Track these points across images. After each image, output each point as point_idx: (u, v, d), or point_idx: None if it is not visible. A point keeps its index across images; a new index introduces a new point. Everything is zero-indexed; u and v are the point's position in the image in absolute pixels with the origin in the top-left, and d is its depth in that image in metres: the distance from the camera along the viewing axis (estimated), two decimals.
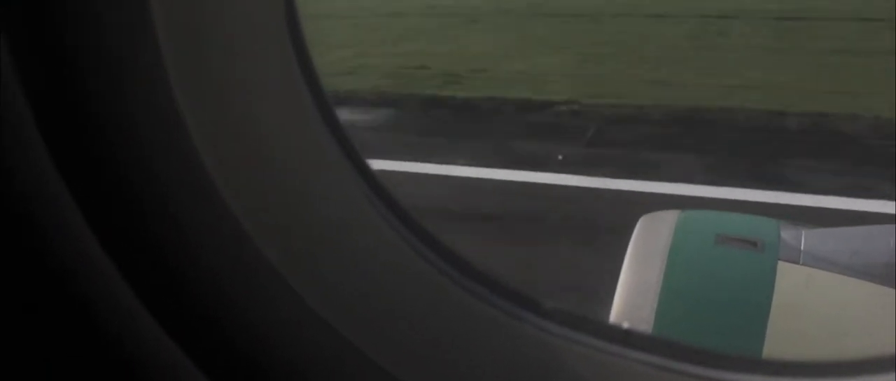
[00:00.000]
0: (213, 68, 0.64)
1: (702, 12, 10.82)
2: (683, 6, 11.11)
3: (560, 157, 6.40)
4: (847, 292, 1.82)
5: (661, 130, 7.06)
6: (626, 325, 1.78)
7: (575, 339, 0.73)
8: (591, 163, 6.26)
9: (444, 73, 8.97)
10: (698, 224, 2.14)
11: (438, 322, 0.74)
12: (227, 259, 0.64)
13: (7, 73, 0.58)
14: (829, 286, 1.84)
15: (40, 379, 0.64)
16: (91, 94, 0.59)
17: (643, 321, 1.80)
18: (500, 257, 4.43)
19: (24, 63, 0.58)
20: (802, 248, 1.93)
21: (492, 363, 0.72)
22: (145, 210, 0.62)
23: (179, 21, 0.61)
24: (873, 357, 0.73)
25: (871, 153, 6.36)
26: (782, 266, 1.88)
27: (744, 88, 7.82)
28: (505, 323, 0.73)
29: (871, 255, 1.87)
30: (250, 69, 0.67)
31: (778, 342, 1.71)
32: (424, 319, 0.74)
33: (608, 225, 4.56)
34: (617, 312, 1.85)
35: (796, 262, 1.90)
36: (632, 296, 1.89)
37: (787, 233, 2.00)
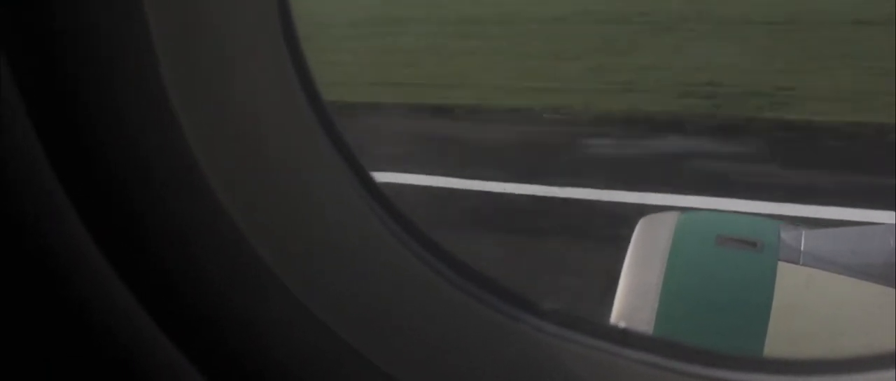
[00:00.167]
0: (207, 69, 0.64)
1: None
2: None
3: None
4: (847, 292, 1.82)
5: None
6: (623, 325, 1.78)
7: (572, 339, 0.73)
8: None
9: (747, 92, 7.53)
10: (698, 225, 2.14)
11: (435, 323, 0.74)
12: (223, 259, 0.64)
13: (2, 77, 0.58)
14: (829, 286, 1.84)
15: (36, 379, 0.64)
16: (86, 94, 0.59)
17: (644, 322, 1.80)
18: None
19: (18, 64, 0.58)
20: (802, 248, 1.93)
21: (489, 363, 0.72)
22: (141, 211, 0.62)
23: (174, 22, 0.61)
24: (873, 354, 0.73)
25: None
26: (782, 267, 1.88)
27: None
28: (502, 324, 0.73)
29: (870, 255, 1.87)
30: (245, 70, 0.67)
31: (778, 343, 1.71)
32: (421, 319, 0.74)
33: None
34: (617, 313, 1.85)
35: (796, 262, 1.90)
36: (632, 297, 1.89)
37: (787, 233, 2.00)
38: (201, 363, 0.64)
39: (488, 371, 0.71)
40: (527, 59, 8.78)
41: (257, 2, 0.67)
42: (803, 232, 2.00)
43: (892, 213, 4.69)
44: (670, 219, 2.10)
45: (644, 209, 2.46)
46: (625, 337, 0.73)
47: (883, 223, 2.04)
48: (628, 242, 2.01)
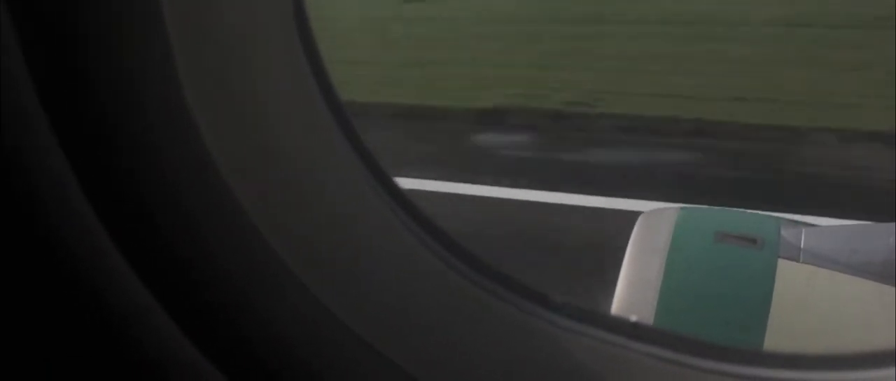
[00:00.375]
0: (223, 67, 0.64)
1: None
2: None
3: None
4: (847, 289, 1.83)
5: None
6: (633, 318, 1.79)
7: (583, 332, 0.73)
8: None
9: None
10: (698, 221, 2.14)
11: (449, 317, 0.74)
12: (241, 257, 0.65)
13: (20, 74, 0.58)
14: (829, 284, 1.85)
15: (54, 378, 0.64)
16: (102, 92, 0.60)
17: (643, 318, 1.81)
18: None
19: (37, 64, 0.59)
20: (802, 245, 1.93)
21: (501, 355, 0.73)
22: (158, 210, 0.62)
23: (190, 21, 0.61)
24: (874, 351, 0.74)
25: None
26: (782, 264, 1.89)
27: None
28: (515, 317, 0.74)
29: (870, 253, 1.88)
30: (260, 68, 0.67)
31: (778, 340, 1.71)
32: (435, 314, 0.74)
33: None
34: (617, 308, 1.86)
35: (796, 260, 1.90)
36: (632, 293, 1.90)
37: (787, 231, 2.00)
38: (220, 362, 0.64)
39: (504, 367, 0.72)
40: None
41: (272, 1, 0.68)
42: (803, 229, 2.00)
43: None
44: (670, 214, 2.10)
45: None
46: (635, 330, 0.74)
47: (883, 223, 2.04)
48: None
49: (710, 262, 2.01)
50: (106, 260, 0.61)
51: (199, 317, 0.64)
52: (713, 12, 9.14)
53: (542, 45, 8.84)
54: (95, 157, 0.61)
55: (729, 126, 6.90)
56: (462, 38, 9.07)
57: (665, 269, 1.91)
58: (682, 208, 2.17)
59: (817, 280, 1.86)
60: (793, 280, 1.86)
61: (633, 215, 2.17)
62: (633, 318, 1.78)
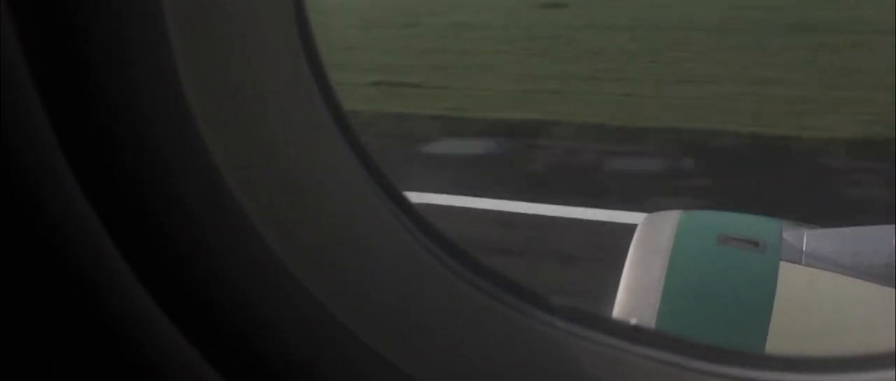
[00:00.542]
0: (223, 67, 0.64)
1: None
2: None
3: None
4: (848, 292, 1.83)
5: None
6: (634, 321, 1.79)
7: (584, 335, 0.73)
8: None
9: None
10: (700, 224, 2.14)
11: (449, 319, 0.74)
12: (241, 259, 0.65)
13: (21, 73, 0.58)
14: (831, 287, 1.85)
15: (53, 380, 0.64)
16: (103, 94, 0.60)
17: (645, 321, 1.80)
18: None
19: (37, 62, 0.59)
20: (804, 248, 1.93)
21: (502, 359, 0.73)
22: (158, 210, 0.62)
23: (190, 21, 0.61)
24: (875, 354, 0.74)
25: None
26: (784, 266, 1.89)
27: None
28: (515, 320, 0.74)
29: (872, 255, 1.88)
30: (260, 67, 0.67)
31: (780, 343, 1.71)
32: (435, 316, 0.74)
33: None
34: (619, 311, 1.86)
35: (798, 262, 1.90)
36: (634, 295, 1.90)
37: (789, 233, 2.00)
38: (220, 363, 0.64)
39: (504, 369, 0.72)
40: None
41: (273, 3, 0.68)
42: (805, 232, 2.00)
43: None
44: (673, 217, 2.10)
45: None
46: (636, 333, 0.74)
47: (885, 226, 2.04)
48: None
49: (712, 264, 2.01)
50: (106, 261, 0.61)
51: (199, 318, 0.64)
52: None
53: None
54: (96, 157, 0.61)
55: None
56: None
57: (667, 271, 1.91)
58: (684, 211, 2.17)
59: (819, 283, 1.86)
60: (795, 283, 1.86)
61: None
62: (634, 321, 1.78)
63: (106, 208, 0.61)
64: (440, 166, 6.48)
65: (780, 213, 2.37)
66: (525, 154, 6.62)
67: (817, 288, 1.86)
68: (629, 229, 2.11)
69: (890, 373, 0.72)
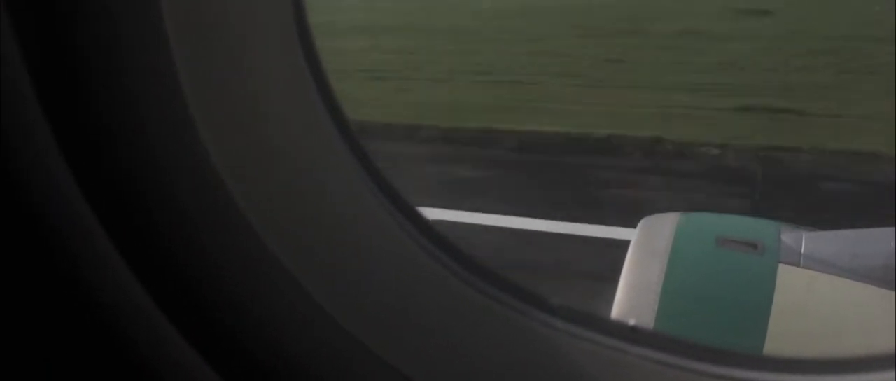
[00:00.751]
0: (222, 67, 0.64)
1: None
2: None
3: None
4: (847, 294, 1.83)
5: None
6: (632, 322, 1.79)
7: (581, 335, 0.73)
8: None
9: None
10: (699, 226, 2.14)
11: (446, 319, 0.74)
12: (238, 258, 0.65)
13: (20, 75, 0.58)
14: (829, 289, 1.85)
15: (50, 377, 0.64)
16: (102, 94, 0.60)
17: (644, 322, 1.81)
18: None
19: (36, 65, 0.59)
20: (803, 250, 1.93)
21: (500, 359, 0.73)
22: (157, 210, 0.62)
23: (190, 21, 0.61)
24: (874, 355, 0.74)
25: None
26: (783, 269, 1.89)
27: None
28: (512, 320, 0.74)
29: (871, 257, 1.88)
30: (259, 68, 0.68)
31: (778, 345, 1.71)
32: (432, 315, 0.74)
33: None
34: (618, 312, 1.86)
35: (797, 264, 1.91)
36: (633, 297, 1.90)
37: (788, 236, 2.00)
38: (216, 362, 0.64)
39: (502, 370, 0.72)
40: None
41: (272, 2, 0.68)
42: (804, 234, 2.00)
43: None
44: (671, 220, 2.11)
45: None
46: (635, 334, 0.74)
47: (883, 228, 2.04)
48: None
49: (710, 266, 2.01)
50: (103, 260, 0.61)
51: (196, 317, 0.64)
52: None
53: None
54: (94, 157, 0.61)
55: None
56: None
57: (666, 273, 1.91)
58: (683, 214, 2.17)
59: (818, 285, 1.86)
60: (793, 285, 1.86)
61: None
62: (633, 322, 1.78)
63: (104, 207, 0.61)
64: None
65: None
66: None
67: (815, 290, 1.87)
68: None
69: (888, 375, 0.72)
